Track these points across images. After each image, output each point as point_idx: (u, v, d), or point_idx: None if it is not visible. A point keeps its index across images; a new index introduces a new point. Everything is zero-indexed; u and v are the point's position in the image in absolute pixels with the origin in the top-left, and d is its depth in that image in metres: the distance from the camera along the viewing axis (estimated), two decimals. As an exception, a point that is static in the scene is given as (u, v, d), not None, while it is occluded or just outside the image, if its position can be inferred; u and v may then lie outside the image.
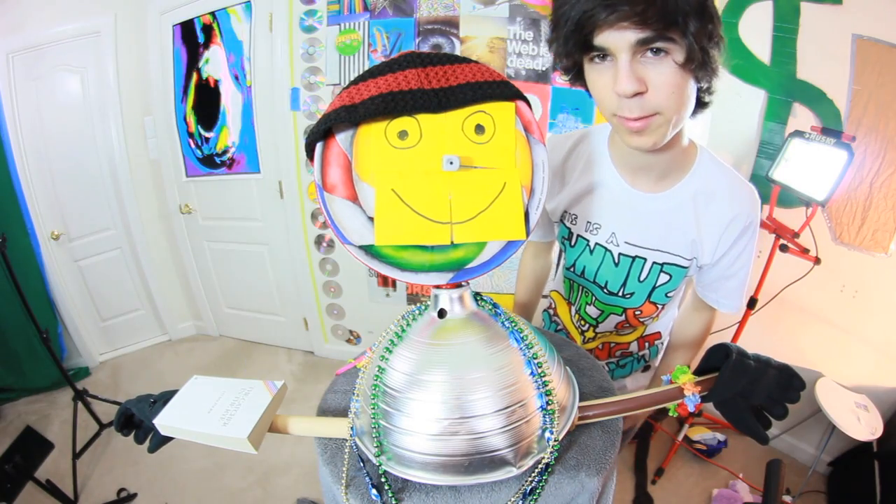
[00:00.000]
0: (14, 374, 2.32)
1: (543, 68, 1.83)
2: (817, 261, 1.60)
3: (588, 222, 0.85)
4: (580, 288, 0.93)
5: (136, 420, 0.67)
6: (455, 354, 0.51)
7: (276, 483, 1.92)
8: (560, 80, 1.83)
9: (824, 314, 1.81)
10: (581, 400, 0.58)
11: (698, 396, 0.53)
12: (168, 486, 1.90)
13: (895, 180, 1.60)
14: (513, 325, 0.53)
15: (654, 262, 0.83)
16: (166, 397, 0.64)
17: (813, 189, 1.47)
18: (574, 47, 0.61)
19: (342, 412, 0.66)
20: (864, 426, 1.62)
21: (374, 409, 0.52)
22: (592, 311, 0.92)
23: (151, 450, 0.67)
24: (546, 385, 0.51)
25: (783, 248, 1.60)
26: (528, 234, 0.47)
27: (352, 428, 0.56)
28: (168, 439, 0.64)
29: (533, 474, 0.51)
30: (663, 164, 0.77)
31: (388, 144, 0.46)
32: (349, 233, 0.47)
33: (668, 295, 0.86)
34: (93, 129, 2.32)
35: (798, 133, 1.56)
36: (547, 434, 0.50)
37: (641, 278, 0.84)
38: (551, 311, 1.06)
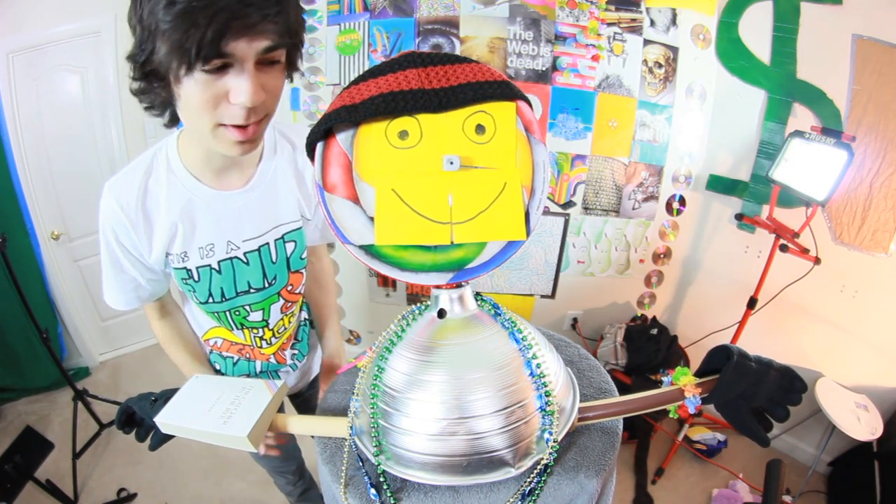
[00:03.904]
0: (14, 374, 2.32)
1: (543, 68, 1.83)
2: (817, 261, 1.60)
3: (200, 248, 0.79)
4: (230, 312, 0.88)
5: (138, 418, 0.67)
6: (454, 355, 0.51)
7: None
8: (560, 79, 1.83)
9: (824, 314, 1.81)
10: (581, 401, 0.58)
11: (699, 398, 0.53)
12: (168, 486, 1.90)
13: (895, 180, 1.60)
14: (513, 325, 0.53)
15: (275, 240, 0.85)
16: (167, 396, 0.64)
17: (813, 189, 1.47)
18: (199, 60, 0.53)
19: (342, 411, 0.66)
20: (864, 426, 1.62)
21: (373, 408, 0.52)
22: (256, 316, 0.89)
23: (152, 448, 0.67)
24: (545, 386, 0.51)
25: (783, 248, 1.60)
26: (528, 234, 0.47)
27: (351, 427, 0.56)
28: (169, 437, 0.65)
29: (532, 475, 0.51)
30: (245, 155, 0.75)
31: (389, 144, 0.46)
32: (349, 232, 0.47)
33: (303, 257, 0.91)
34: (93, 129, 2.31)
35: (798, 133, 1.56)
36: (546, 435, 0.50)
37: (274, 259, 0.86)
38: (221, 350, 0.96)
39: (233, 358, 0.97)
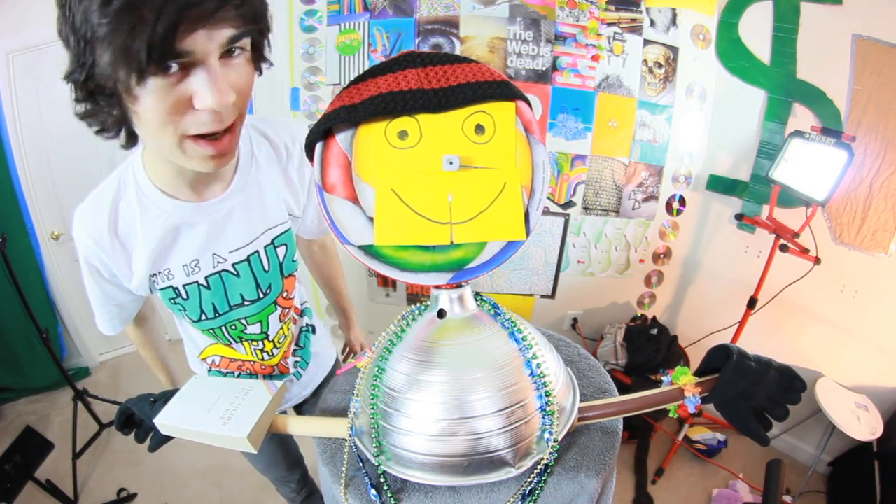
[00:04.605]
0: (14, 374, 2.32)
1: (543, 68, 1.83)
2: (817, 261, 1.60)
3: (184, 266, 0.74)
4: (225, 327, 0.83)
5: (137, 419, 0.67)
6: (454, 355, 0.51)
7: (275, 483, 1.92)
8: (560, 79, 1.83)
9: (824, 314, 1.81)
10: (581, 401, 0.58)
11: (699, 397, 0.53)
12: (168, 486, 1.90)
13: (895, 180, 1.60)
14: (513, 325, 0.53)
15: (265, 247, 0.80)
16: (167, 396, 0.64)
17: (813, 189, 1.47)
18: (146, 61, 0.44)
19: (342, 412, 0.66)
20: (864, 426, 1.62)
21: (373, 409, 0.52)
22: (254, 328, 0.85)
23: (152, 449, 0.67)
24: (546, 386, 0.51)
25: (783, 248, 1.60)
26: (528, 234, 0.47)
27: (351, 428, 0.56)
28: (168, 438, 0.64)
29: (532, 475, 0.51)
30: None
31: (388, 144, 0.46)
32: (349, 233, 0.47)
33: (294, 260, 0.87)
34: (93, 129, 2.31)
35: (798, 133, 1.56)
36: (546, 435, 0.50)
37: (266, 268, 0.81)
38: (221, 367, 0.92)
39: (233, 374, 0.93)
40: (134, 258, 0.72)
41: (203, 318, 0.80)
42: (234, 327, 0.84)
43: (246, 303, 0.82)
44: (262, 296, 0.83)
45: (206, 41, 0.48)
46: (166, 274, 0.74)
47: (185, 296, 0.77)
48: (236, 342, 0.87)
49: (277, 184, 0.79)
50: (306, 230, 0.93)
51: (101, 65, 0.46)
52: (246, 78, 0.56)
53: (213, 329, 0.84)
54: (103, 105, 0.51)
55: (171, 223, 0.71)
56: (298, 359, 1.00)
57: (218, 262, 0.76)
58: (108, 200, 0.70)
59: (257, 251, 0.79)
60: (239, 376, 0.93)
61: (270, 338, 0.89)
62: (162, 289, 0.76)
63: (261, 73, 0.61)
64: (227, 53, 0.51)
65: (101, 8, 0.43)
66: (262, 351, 0.90)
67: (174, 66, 0.48)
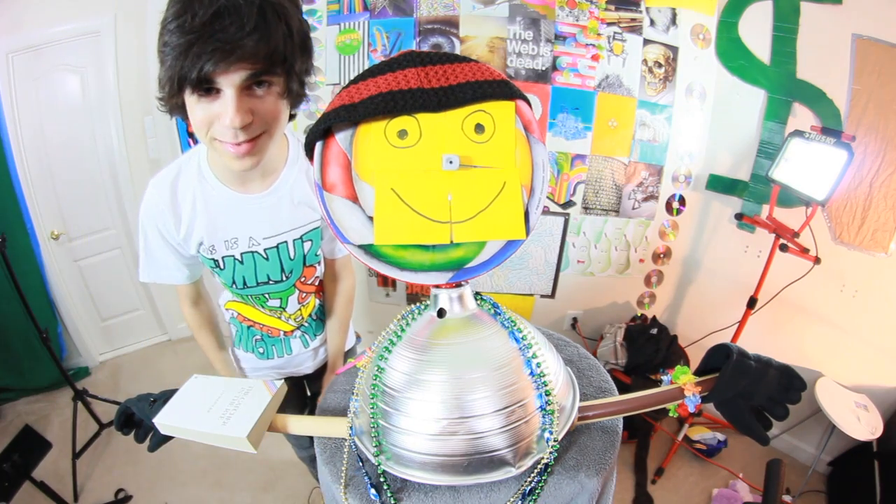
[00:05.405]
0: (14, 374, 2.31)
1: (543, 68, 1.83)
2: (817, 260, 1.60)
3: (225, 241, 0.89)
4: (251, 297, 0.99)
5: (136, 419, 0.67)
6: (454, 354, 0.51)
7: (275, 483, 1.91)
8: (560, 79, 1.83)
9: (824, 314, 1.81)
10: (580, 400, 0.58)
11: (699, 397, 0.53)
12: (168, 486, 1.90)
13: (895, 180, 1.60)
14: (512, 324, 0.53)
15: (294, 240, 0.93)
16: (166, 396, 0.64)
17: (813, 189, 1.47)
18: (187, 86, 0.63)
19: (341, 412, 0.66)
20: (864, 426, 1.62)
21: (373, 408, 0.52)
22: (274, 303, 1.01)
23: (151, 449, 0.67)
24: (546, 385, 0.51)
25: (783, 248, 1.60)
26: (527, 233, 0.47)
27: (351, 427, 0.56)
28: (168, 438, 0.64)
29: (532, 474, 0.51)
30: (265, 163, 0.82)
31: (388, 144, 0.46)
32: (349, 232, 0.47)
33: (318, 254, 1.01)
34: (93, 129, 2.31)
35: (798, 133, 1.56)
36: (546, 434, 0.50)
37: (291, 256, 0.95)
38: (236, 318, 1.07)
39: (247, 327, 1.06)
40: (182, 221, 0.88)
41: (234, 286, 0.96)
42: (257, 298, 0.99)
43: (271, 282, 0.96)
44: (284, 278, 0.97)
45: (224, 79, 0.62)
46: (210, 248, 0.90)
47: (222, 266, 0.92)
48: (259, 306, 1.02)
49: (311, 194, 0.91)
50: (323, 246, 1.01)
51: (159, 76, 0.66)
52: (268, 106, 0.69)
53: (239, 295, 1.00)
54: (166, 100, 0.69)
55: (219, 205, 0.86)
56: (309, 325, 1.09)
57: (253, 244, 0.91)
58: (171, 177, 0.87)
59: (286, 241, 0.93)
60: (249, 329, 1.07)
61: (288, 311, 1.03)
62: (205, 258, 0.92)
63: (295, 104, 0.75)
64: (256, 84, 0.65)
65: (163, 46, 0.63)
66: (278, 318, 1.04)
67: (203, 90, 0.64)
